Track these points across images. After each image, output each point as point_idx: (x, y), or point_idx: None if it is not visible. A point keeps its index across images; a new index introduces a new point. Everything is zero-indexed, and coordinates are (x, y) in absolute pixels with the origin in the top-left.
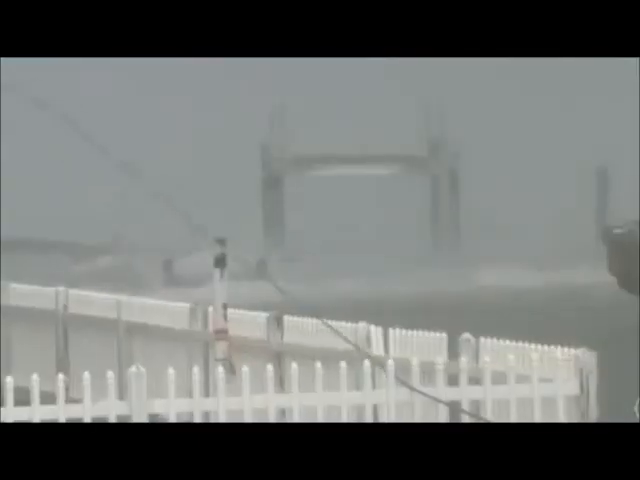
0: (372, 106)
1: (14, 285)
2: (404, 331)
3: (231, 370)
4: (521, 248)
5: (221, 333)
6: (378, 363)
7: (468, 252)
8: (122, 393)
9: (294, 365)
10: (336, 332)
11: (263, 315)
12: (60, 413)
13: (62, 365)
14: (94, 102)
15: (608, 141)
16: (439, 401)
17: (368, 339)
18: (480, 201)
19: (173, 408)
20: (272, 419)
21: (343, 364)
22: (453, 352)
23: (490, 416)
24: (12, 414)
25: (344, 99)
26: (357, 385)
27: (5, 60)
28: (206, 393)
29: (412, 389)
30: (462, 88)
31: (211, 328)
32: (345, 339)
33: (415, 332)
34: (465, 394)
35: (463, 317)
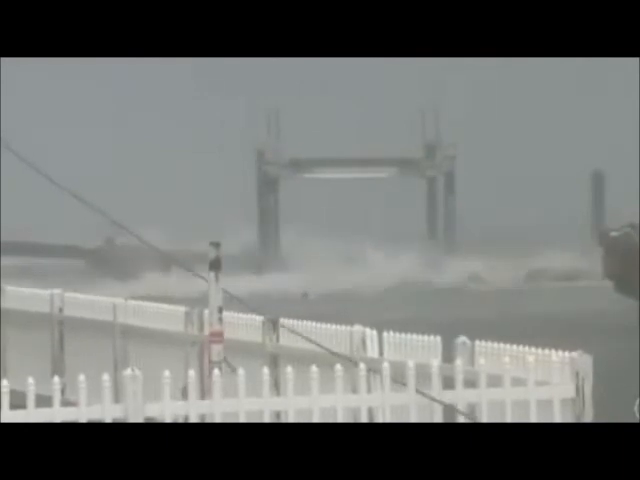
0: (367, 108)
1: (9, 288)
2: (399, 334)
3: (231, 368)
4: (517, 249)
5: (216, 336)
6: (373, 366)
7: (465, 254)
8: (118, 396)
9: (289, 368)
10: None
11: (258, 318)
12: (56, 416)
13: (58, 368)
14: (86, 104)
15: (608, 142)
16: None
17: (363, 342)
18: (476, 203)
19: (168, 411)
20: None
21: (338, 367)
22: (449, 355)
23: (486, 419)
24: (8, 418)
25: (339, 101)
26: (353, 388)
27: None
28: (201, 396)
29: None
30: (458, 89)
31: (206, 331)
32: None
33: (410, 335)
34: (461, 397)
35: (460, 319)
